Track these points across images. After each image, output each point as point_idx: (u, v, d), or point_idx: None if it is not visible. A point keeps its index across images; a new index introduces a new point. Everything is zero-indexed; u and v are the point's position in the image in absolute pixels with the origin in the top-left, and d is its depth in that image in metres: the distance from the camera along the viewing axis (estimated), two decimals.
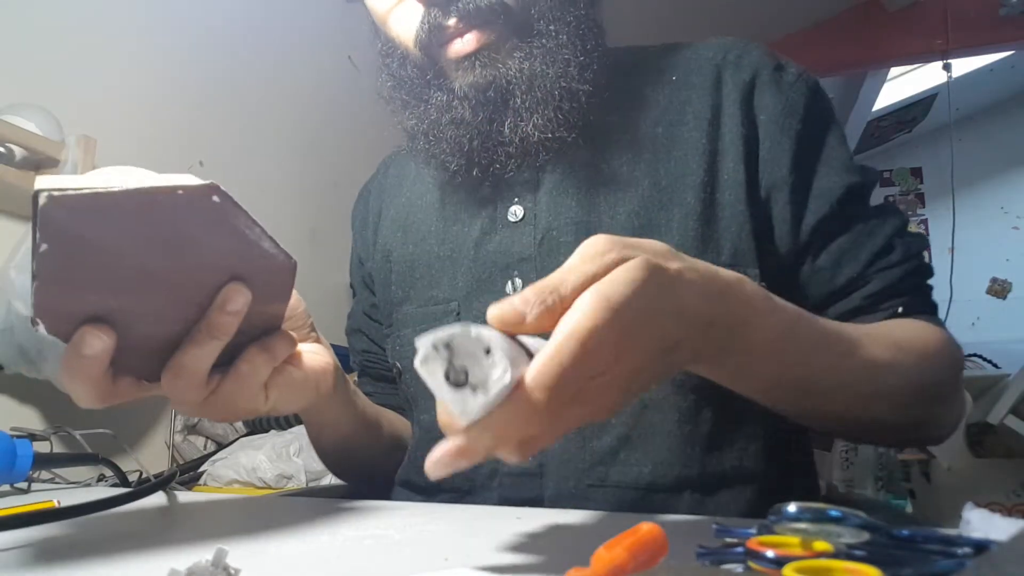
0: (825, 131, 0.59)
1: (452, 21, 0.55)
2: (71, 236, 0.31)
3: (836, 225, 0.56)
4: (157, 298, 0.36)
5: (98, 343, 0.34)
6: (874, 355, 0.46)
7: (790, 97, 0.58)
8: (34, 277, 0.32)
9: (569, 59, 0.56)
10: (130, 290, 0.35)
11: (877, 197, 0.60)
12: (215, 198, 0.33)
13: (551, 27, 0.56)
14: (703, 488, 0.52)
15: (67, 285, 0.33)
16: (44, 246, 0.31)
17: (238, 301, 0.37)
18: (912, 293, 0.56)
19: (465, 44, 0.56)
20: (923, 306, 0.56)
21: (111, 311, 0.35)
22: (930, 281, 0.58)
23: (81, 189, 0.30)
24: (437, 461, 0.30)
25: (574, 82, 0.56)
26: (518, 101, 0.56)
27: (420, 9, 0.57)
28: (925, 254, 0.58)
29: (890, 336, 0.49)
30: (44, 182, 0.30)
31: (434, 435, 0.61)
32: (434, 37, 0.57)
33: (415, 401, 0.65)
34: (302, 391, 0.47)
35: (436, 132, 0.59)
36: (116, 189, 0.31)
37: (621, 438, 0.54)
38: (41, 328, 0.33)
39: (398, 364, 0.67)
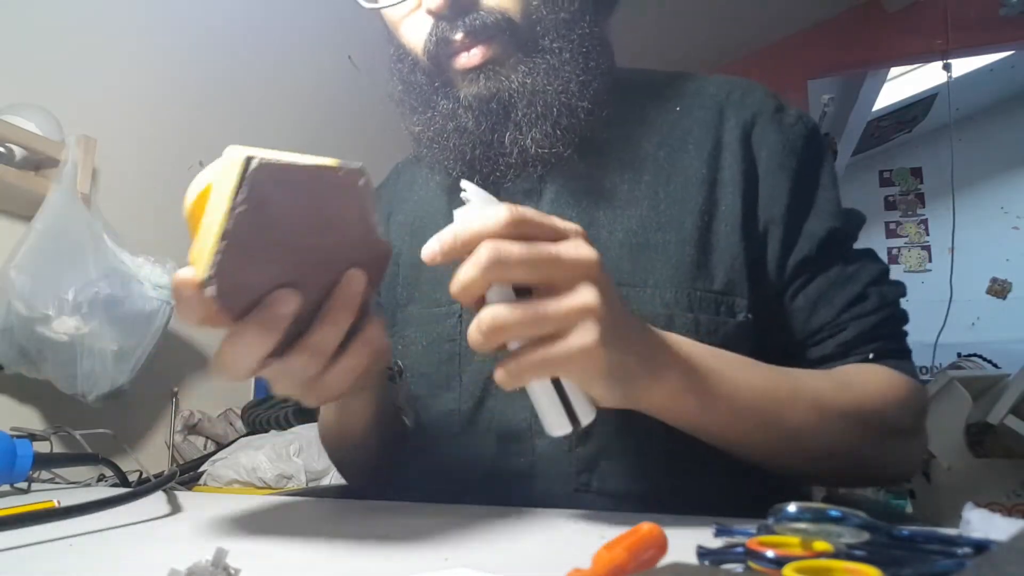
0: (819, 172, 0.61)
1: (459, 36, 0.56)
2: (264, 201, 0.33)
3: (814, 268, 0.58)
4: (302, 275, 0.37)
5: (289, 305, 0.36)
6: (826, 407, 0.49)
7: (789, 137, 0.60)
8: (223, 237, 0.33)
9: (571, 76, 0.57)
10: (286, 265, 0.36)
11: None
12: (361, 181, 0.36)
13: (555, 44, 0.58)
14: (684, 501, 0.52)
15: (247, 249, 0.34)
16: (243, 207, 0.32)
17: (361, 281, 0.40)
18: (886, 339, 0.57)
19: (471, 58, 0.57)
20: (895, 352, 0.57)
21: (266, 285, 0.36)
22: (905, 327, 0.59)
23: (275, 159, 0.33)
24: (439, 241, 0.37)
25: (574, 98, 0.57)
26: (519, 114, 0.57)
27: (429, 21, 0.58)
28: (902, 301, 0.59)
29: (838, 398, 0.51)
30: (243, 151, 0.32)
31: (432, 434, 0.62)
32: (441, 49, 0.58)
33: (413, 400, 0.65)
34: (372, 373, 0.47)
35: (441, 139, 0.60)
36: (301, 162, 0.33)
37: (602, 447, 0.55)
38: (211, 289, 0.34)
39: (400, 363, 0.67)
